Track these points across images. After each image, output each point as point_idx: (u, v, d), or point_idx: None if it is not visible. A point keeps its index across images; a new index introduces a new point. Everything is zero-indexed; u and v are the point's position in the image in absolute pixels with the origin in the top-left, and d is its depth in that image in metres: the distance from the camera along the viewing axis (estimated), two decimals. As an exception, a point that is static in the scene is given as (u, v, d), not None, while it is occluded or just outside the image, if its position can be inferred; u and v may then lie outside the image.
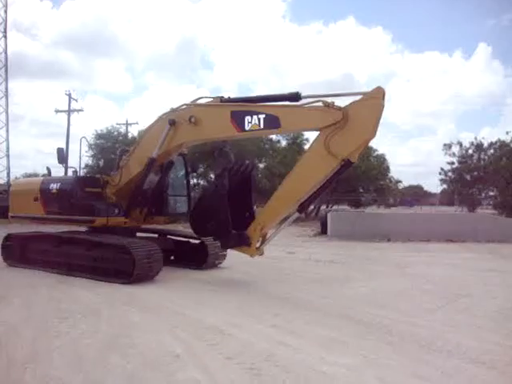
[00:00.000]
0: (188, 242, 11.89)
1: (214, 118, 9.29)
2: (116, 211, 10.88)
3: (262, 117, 8.52)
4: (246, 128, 8.71)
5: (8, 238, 12.35)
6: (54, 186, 11.37)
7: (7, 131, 52.35)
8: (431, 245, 18.39)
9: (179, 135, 9.77)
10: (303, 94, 8.76)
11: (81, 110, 48.42)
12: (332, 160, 7.93)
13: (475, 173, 38.02)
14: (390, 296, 8.77)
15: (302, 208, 8.70)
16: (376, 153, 39.11)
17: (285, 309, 7.53)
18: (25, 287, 9.11)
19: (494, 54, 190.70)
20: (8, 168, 52.35)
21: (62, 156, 11.68)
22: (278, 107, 8.68)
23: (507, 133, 36.07)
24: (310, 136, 39.99)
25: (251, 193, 9.91)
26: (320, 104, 8.07)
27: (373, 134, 7.83)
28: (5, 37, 52.83)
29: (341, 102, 8.11)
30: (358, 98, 8.01)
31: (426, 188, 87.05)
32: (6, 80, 52.57)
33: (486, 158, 39.08)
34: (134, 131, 44.53)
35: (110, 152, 37.38)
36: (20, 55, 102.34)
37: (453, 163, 39.75)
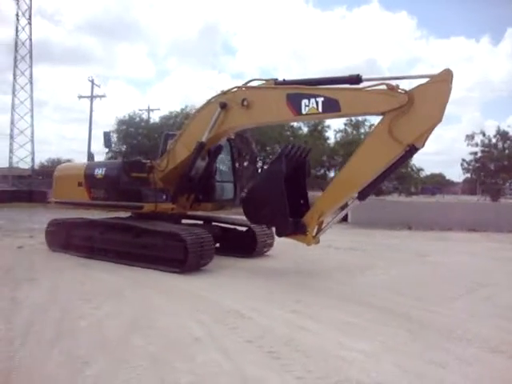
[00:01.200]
0: (235, 229, 11.60)
1: (268, 101, 8.90)
2: (164, 197, 10.55)
3: (320, 100, 8.16)
4: (303, 112, 8.35)
5: (52, 223, 12.26)
6: (99, 171, 11.08)
7: (32, 117, 53.37)
8: (453, 234, 18.24)
9: (230, 119, 9.42)
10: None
11: (103, 96, 49.00)
12: (396, 146, 7.60)
13: (499, 162, 37.42)
14: (410, 284, 8.79)
15: (363, 195, 8.26)
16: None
17: (305, 295, 7.59)
18: (53, 270, 9.30)
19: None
20: (32, 153, 53.35)
21: (109, 140, 11.59)
22: (337, 90, 8.29)
23: None
24: (332, 123, 39.77)
25: (305, 179, 9.56)
26: (383, 87, 7.74)
27: (440, 119, 7.44)
28: (29, 24, 53.67)
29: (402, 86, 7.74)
30: (422, 81, 7.62)
31: (448, 177, 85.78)
32: (31, 66, 53.60)
33: (512, 146, 38.45)
34: (155, 117, 44.85)
35: (132, 137, 37.83)
36: (44, 41, 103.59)
37: (476, 153, 39.22)
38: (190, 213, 11.71)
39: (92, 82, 47.31)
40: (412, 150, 7.59)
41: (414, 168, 40.37)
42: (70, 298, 7.11)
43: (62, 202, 12.33)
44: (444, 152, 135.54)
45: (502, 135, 38.64)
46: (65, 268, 9.55)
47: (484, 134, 38.93)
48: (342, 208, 8.94)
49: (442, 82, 7.34)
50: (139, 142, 37.15)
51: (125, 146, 37.96)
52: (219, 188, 11.47)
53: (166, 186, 10.62)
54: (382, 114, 7.80)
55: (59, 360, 4.64)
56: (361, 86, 8.19)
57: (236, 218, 11.57)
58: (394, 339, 5.44)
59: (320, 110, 8.18)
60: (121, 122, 38.58)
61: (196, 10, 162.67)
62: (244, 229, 11.28)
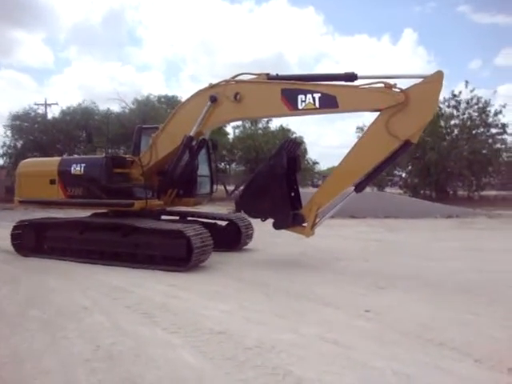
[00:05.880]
0: (215, 223, 11.69)
1: (262, 95, 9.02)
2: (150, 193, 10.30)
3: (317, 96, 8.39)
4: (299, 107, 8.56)
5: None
6: (77, 168, 10.34)
7: None
8: (333, 220, 19.98)
9: (221, 112, 9.44)
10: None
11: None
12: (393, 141, 8.07)
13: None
14: (280, 262, 10.22)
15: (360, 188, 8.75)
16: (294, 135, 41.00)
17: (183, 272, 8.75)
18: None
19: (419, 40, 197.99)
20: None
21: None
22: (334, 87, 8.55)
23: None
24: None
25: (296, 173, 9.93)
26: (380, 85, 8.16)
27: (431, 116, 8.23)
28: None
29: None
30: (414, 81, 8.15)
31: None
32: None
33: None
34: (54, 111, 43.73)
35: (29, 133, 36.96)
36: None
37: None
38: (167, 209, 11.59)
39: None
40: (407, 144, 8.15)
41: (310, 161, 42.87)
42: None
43: (29, 201, 11.42)
44: (347, 145, 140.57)
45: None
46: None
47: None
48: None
49: (435, 83, 7.89)
50: (36, 137, 36.42)
51: (21, 142, 37.03)
52: (199, 182, 11.45)
53: (147, 182, 10.26)
54: (379, 110, 8.25)
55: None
56: (356, 83, 8.55)
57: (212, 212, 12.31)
58: (251, 301, 6.75)
59: (317, 105, 8.46)
60: (15, 117, 37.50)
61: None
62: (224, 223, 11.65)
